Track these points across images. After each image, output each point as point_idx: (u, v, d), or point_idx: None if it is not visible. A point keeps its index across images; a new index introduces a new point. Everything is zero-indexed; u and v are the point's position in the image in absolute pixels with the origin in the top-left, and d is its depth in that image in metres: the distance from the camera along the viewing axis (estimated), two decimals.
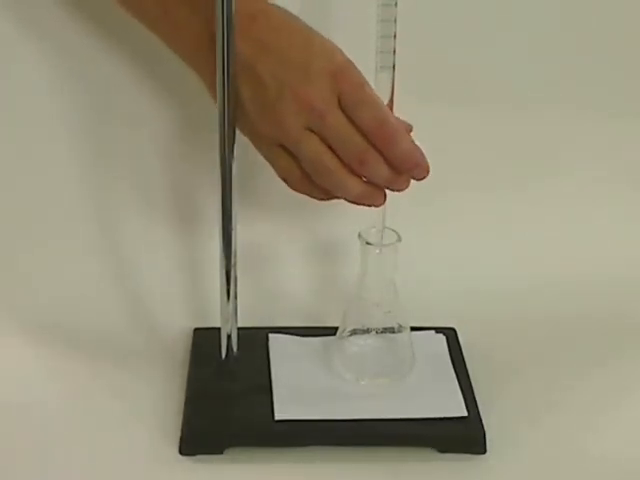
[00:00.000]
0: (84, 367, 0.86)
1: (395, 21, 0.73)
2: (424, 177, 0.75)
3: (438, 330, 0.89)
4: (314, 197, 0.78)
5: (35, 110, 0.91)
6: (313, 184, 0.76)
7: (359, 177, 0.75)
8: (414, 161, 0.74)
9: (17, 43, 0.89)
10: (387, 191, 0.77)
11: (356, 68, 0.74)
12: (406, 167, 0.74)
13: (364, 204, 0.76)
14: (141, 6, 0.78)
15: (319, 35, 0.75)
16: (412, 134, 0.75)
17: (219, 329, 0.81)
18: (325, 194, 0.77)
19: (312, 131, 0.73)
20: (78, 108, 0.92)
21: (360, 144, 0.73)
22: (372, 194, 0.76)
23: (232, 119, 0.74)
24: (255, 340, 0.86)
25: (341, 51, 0.74)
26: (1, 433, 0.79)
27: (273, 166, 0.77)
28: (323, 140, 0.73)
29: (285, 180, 0.77)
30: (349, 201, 0.76)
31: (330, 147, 0.74)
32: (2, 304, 0.91)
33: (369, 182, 0.75)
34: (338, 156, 0.74)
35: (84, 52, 0.90)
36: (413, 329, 0.83)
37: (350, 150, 0.73)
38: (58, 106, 0.91)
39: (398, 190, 0.76)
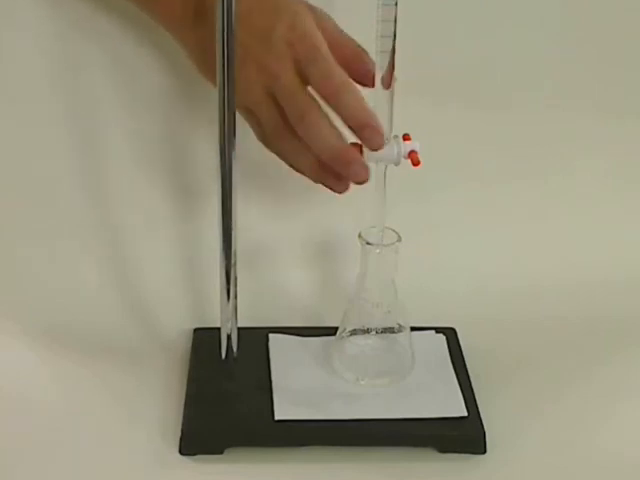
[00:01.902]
0: (84, 367, 0.86)
1: (395, 21, 0.73)
2: (379, 145, 0.75)
3: (438, 330, 0.89)
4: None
5: (35, 111, 0.91)
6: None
7: (313, 155, 0.76)
8: (364, 119, 0.75)
9: (12, 25, 0.89)
10: (387, 191, 0.78)
11: (321, 33, 0.76)
12: (355, 126, 0.75)
13: (324, 184, 0.78)
14: None
15: None
16: (412, 134, 0.76)
17: (219, 329, 0.81)
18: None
19: (272, 97, 0.76)
20: (78, 109, 0.92)
21: (302, 100, 0.75)
22: (322, 173, 0.78)
23: (232, 119, 0.74)
24: (255, 340, 0.86)
25: (310, 11, 0.77)
26: (1, 433, 0.79)
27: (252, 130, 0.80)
28: (278, 104, 0.76)
29: (261, 141, 0.80)
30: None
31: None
32: (2, 304, 0.91)
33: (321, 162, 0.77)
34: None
35: (83, 50, 0.90)
36: (413, 329, 0.83)
37: (293, 107, 0.76)
38: (58, 106, 0.91)
39: (354, 179, 0.77)
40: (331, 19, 0.79)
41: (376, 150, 0.76)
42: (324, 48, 0.76)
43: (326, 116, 0.76)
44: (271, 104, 0.77)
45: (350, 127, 0.75)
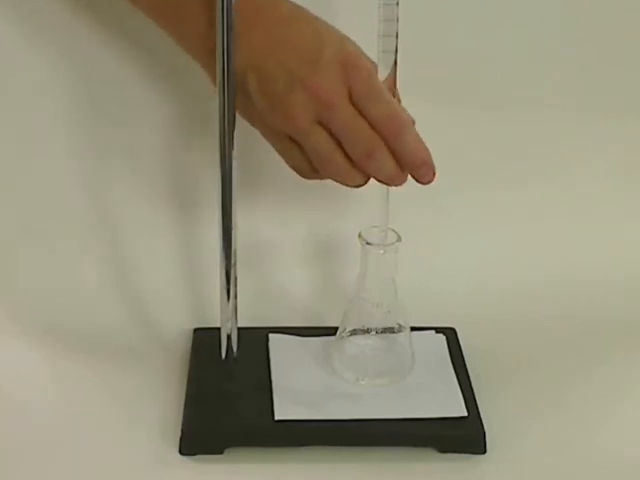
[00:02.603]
0: (84, 367, 0.86)
1: (397, 20, 0.73)
2: (430, 180, 0.75)
3: (438, 330, 0.89)
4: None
5: (35, 110, 0.91)
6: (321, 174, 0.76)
7: (362, 170, 0.74)
8: (421, 158, 0.74)
9: (16, 37, 0.89)
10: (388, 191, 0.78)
11: (366, 57, 0.74)
12: (413, 164, 0.74)
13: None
14: (153, 3, 0.78)
15: (327, 25, 0.75)
16: None
17: (219, 329, 0.81)
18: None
19: (321, 123, 0.73)
20: (78, 108, 0.92)
21: (369, 137, 0.73)
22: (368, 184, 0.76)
23: (232, 119, 0.74)
24: (255, 340, 0.86)
25: (350, 40, 0.74)
26: (1, 433, 0.79)
27: (283, 157, 0.77)
28: (331, 133, 0.73)
29: (294, 170, 0.77)
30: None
31: (337, 140, 0.73)
32: (2, 304, 0.91)
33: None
34: (344, 150, 0.73)
35: (84, 45, 0.90)
36: (413, 329, 0.83)
37: (358, 143, 0.73)
38: (58, 105, 0.91)
39: (396, 185, 0.76)
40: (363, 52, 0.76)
41: (427, 184, 0.75)
42: (377, 77, 0.73)
43: (388, 152, 0.74)
44: (321, 132, 0.73)
45: (406, 164, 0.74)
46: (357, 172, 0.74)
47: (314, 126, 0.73)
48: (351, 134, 0.73)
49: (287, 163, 0.77)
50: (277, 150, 0.77)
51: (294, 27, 0.74)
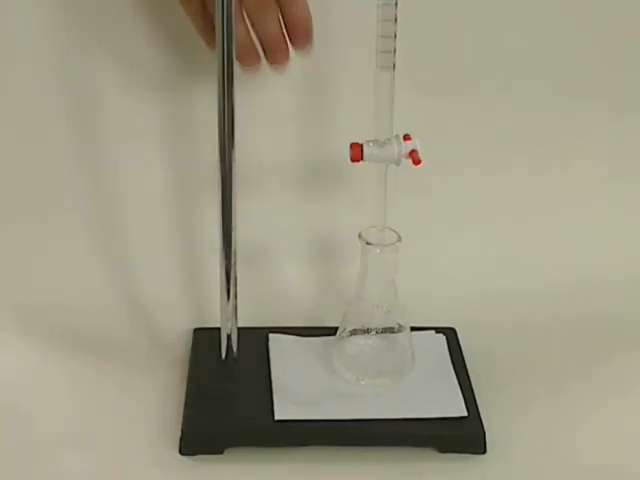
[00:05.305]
0: (84, 367, 0.86)
1: (395, 21, 0.73)
2: (304, 45, 0.78)
3: (438, 330, 0.89)
4: (205, 41, 0.81)
5: (35, 110, 0.91)
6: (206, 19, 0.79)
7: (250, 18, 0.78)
8: (305, 29, 0.78)
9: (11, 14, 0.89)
10: (387, 191, 0.78)
11: None
12: (294, 30, 0.78)
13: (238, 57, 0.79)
14: None
15: None
16: (412, 133, 0.76)
17: (219, 329, 0.81)
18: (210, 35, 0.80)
19: None
20: (79, 109, 0.92)
21: None
22: (249, 48, 0.79)
23: (232, 119, 0.74)
24: (255, 340, 0.86)
25: None
26: (1, 433, 0.79)
27: None
28: None
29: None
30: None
31: None
32: (2, 305, 0.91)
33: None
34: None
35: (82, 36, 0.90)
36: (413, 329, 0.83)
37: None
38: (58, 105, 0.91)
39: (272, 61, 0.79)
40: None
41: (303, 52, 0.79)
42: None
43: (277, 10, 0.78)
44: None
45: (289, 26, 0.78)
46: (243, 22, 0.78)
47: None
48: None
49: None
50: None
51: None
